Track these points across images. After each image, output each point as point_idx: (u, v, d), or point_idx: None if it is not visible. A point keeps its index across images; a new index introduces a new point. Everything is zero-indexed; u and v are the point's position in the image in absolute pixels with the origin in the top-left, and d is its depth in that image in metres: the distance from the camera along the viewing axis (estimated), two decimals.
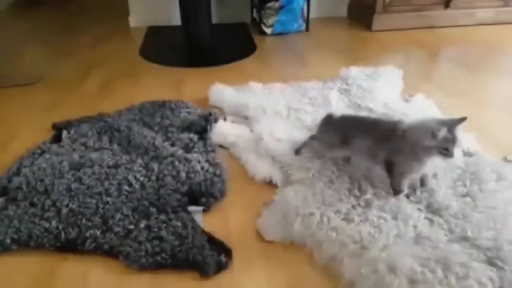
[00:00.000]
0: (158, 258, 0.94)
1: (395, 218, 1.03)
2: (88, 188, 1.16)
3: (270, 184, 1.21)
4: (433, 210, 1.06)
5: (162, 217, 1.06)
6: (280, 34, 2.58)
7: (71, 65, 2.17)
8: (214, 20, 2.55)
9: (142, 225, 1.03)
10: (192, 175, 1.20)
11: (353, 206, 1.07)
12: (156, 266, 0.94)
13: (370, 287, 0.86)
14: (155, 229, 1.02)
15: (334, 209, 1.05)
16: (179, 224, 1.03)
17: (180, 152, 1.32)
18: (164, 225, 1.03)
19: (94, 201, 1.11)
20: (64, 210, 1.08)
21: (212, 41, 2.44)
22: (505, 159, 1.26)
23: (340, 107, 1.58)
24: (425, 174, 1.11)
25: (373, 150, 1.12)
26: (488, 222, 0.99)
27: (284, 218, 1.04)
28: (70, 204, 1.10)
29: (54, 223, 1.04)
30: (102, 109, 1.60)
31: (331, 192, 1.11)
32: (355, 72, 1.81)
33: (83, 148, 1.36)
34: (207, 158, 1.29)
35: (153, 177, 1.20)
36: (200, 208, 1.11)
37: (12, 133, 1.51)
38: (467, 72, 1.99)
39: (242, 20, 2.81)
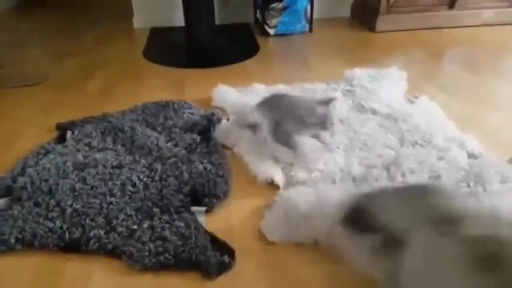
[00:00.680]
0: (161, 258, 0.94)
1: None
2: (92, 188, 1.16)
3: (272, 184, 1.20)
4: None
5: (165, 217, 1.06)
6: (283, 35, 2.58)
7: (74, 65, 2.18)
8: (217, 21, 2.55)
9: (145, 225, 1.04)
10: (195, 175, 1.21)
11: None
12: (159, 266, 0.94)
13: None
14: (159, 229, 1.02)
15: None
16: (182, 224, 1.03)
17: (183, 152, 1.32)
18: (167, 225, 1.03)
19: (98, 201, 1.12)
20: (68, 210, 1.09)
21: (215, 42, 2.44)
22: (510, 161, 1.25)
23: (344, 109, 1.58)
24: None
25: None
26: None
27: (287, 219, 1.04)
28: (74, 204, 1.10)
29: (58, 223, 1.05)
30: (105, 109, 1.61)
31: (336, 194, 1.10)
32: (359, 73, 1.81)
33: (87, 148, 1.36)
34: (210, 158, 1.29)
35: (157, 178, 1.21)
36: (203, 209, 1.11)
37: (15, 133, 1.52)
38: (471, 73, 1.98)
39: (245, 21, 2.81)
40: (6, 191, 1.17)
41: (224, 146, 1.40)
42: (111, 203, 1.11)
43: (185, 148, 1.35)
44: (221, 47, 2.45)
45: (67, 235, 1.01)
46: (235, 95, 1.68)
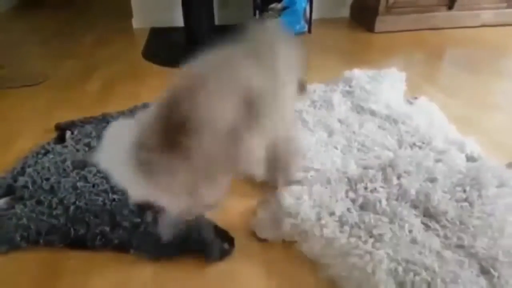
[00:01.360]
0: (169, 244, 0.96)
1: (391, 221, 1.02)
2: (93, 186, 1.18)
3: (270, 184, 1.20)
4: (430, 214, 1.05)
5: None
6: None
7: (74, 66, 2.18)
8: (217, 21, 2.55)
9: (149, 218, 1.04)
10: None
11: (348, 209, 1.07)
12: (167, 253, 0.96)
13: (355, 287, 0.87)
14: None
15: (328, 210, 1.06)
16: None
17: None
18: None
19: (100, 198, 1.13)
20: (72, 208, 1.10)
21: (215, 42, 2.43)
22: (509, 165, 1.24)
23: (343, 109, 1.58)
24: None
25: None
26: (485, 230, 0.98)
27: (275, 218, 1.06)
28: (77, 202, 1.12)
29: (62, 220, 1.06)
30: (105, 109, 1.61)
31: (328, 192, 1.12)
32: (358, 74, 1.81)
33: (86, 148, 1.37)
34: None
35: None
36: None
37: (15, 133, 1.52)
38: (470, 74, 1.98)
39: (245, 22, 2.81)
40: (6, 191, 1.18)
41: None
42: (113, 200, 1.12)
43: None
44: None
45: (72, 232, 1.03)
46: None
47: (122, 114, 1.58)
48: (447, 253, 0.93)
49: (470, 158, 1.27)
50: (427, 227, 1.02)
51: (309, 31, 2.64)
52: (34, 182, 1.19)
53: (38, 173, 1.22)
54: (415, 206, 1.08)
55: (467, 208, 1.05)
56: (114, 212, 1.08)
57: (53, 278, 0.95)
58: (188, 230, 0.98)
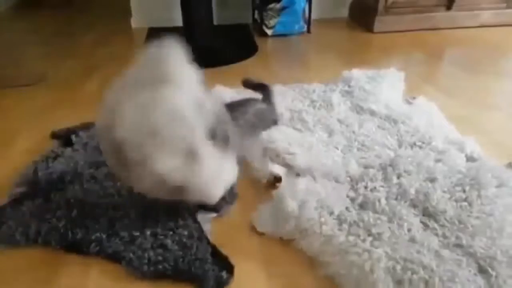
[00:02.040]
0: (160, 267, 0.93)
1: (390, 220, 1.02)
2: (101, 187, 1.17)
3: (273, 183, 1.20)
4: (429, 214, 1.05)
5: (170, 224, 1.05)
6: (281, 35, 2.58)
7: (72, 66, 2.18)
8: (216, 21, 2.55)
9: (148, 232, 1.02)
10: None
11: (347, 208, 1.08)
12: (157, 275, 0.93)
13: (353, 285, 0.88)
14: (161, 237, 1.01)
15: (328, 209, 1.06)
16: (185, 233, 1.02)
17: None
18: (171, 232, 1.02)
19: (105, 201, 1.12)
20: (75, 209, 1.09)
21: (214, 42, 2.44)
22: (509, 165, 1.24)
23: (342, 109, 1.58)
24: None
25: None
26: (484, 230, 0.98)
27: (276, 214, 1.06)
28: (81, 204, 1.11)
29: (63, 221, 1.05)
30: None
31: (329, 191, 1.12)
32: (357, 74, 1.81)
33: (97, 152, 1.34)
34: None
35: None
36: (210, 216, 1.10)
37: (15, 133, 1.52)
38: (469, 74, 1.98)
39: (244, 22, 2.82)
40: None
41: None
42: (117, 205, 1.10)
43: None
44: (220, 48, 2.45)
45: (70, 235, 1.02)
46: (232, 95, 1.68)
47: None
48: (445, 252, 0.93)
49: (469, 158, 1.27)
50: (426, 226, 1.02)
51: (308, 31, 2.64)
52: (45, 181, 1.19)
53: (51, 173, 1.22)
54: (414, 206, 1.08)
55: (466, 208, 1.05)
56: (114, 220, 1.06)
57: (53, 277, 0.94)
58: (182, 258, 0.94)
